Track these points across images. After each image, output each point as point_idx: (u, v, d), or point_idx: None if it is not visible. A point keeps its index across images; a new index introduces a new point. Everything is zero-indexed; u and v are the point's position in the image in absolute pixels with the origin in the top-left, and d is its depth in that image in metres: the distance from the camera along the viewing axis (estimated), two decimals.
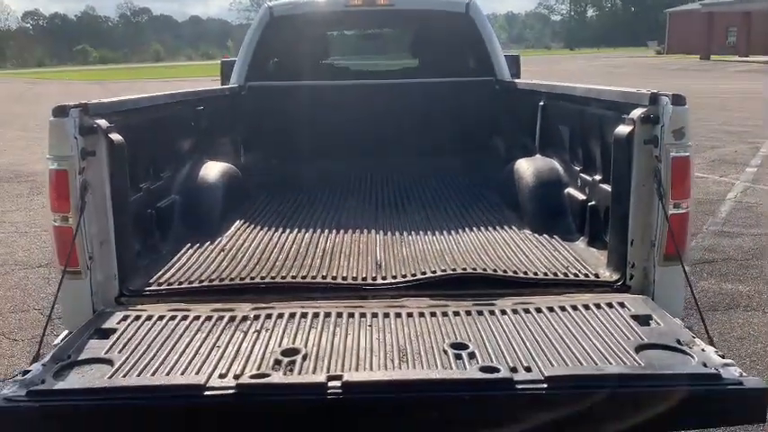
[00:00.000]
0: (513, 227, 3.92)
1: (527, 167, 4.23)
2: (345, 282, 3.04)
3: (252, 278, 3.07)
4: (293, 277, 3.07)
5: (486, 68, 5.89)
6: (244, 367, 2.22)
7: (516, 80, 5.50)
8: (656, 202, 2.84)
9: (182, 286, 3.02)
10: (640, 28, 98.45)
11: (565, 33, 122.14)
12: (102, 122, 2.86)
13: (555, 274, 3.07)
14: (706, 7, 53.70)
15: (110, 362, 2.27)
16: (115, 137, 2.92)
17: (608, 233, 3.26)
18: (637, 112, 2.87)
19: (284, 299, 2.90)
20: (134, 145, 3.41)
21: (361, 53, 9.31)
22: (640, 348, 2.30)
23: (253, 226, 4.04)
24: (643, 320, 2.56)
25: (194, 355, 2.31)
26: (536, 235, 3.74)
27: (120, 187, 2.97)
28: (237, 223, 4.09)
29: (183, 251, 3.53)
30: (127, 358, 2.28)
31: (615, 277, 3.00)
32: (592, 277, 3.05)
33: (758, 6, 47.70)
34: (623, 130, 2.94)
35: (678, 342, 2.33)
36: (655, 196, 2.83)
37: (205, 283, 3.03)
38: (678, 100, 2.75)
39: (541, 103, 4.52)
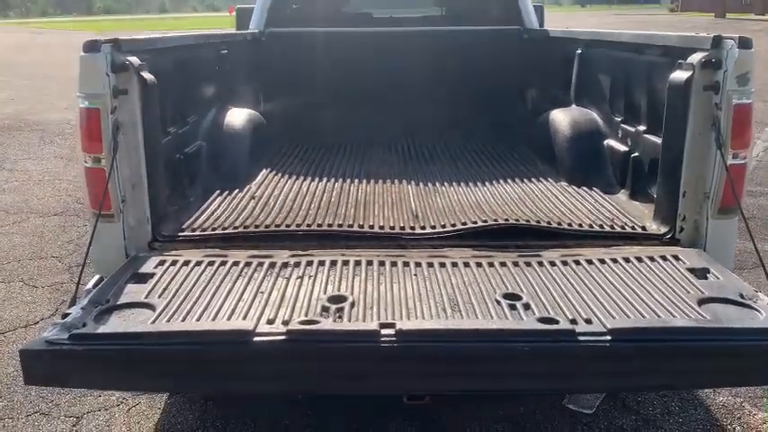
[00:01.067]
0: (550, 179, 3.80)
1: (563, 118, 4.08)
2: (383, 231, 2.94)
3: (287, 225, 2.97)
4: (329, 225, 2.97)
5: (513, 16, 5.69)
6: (291, 313, 2.13)
7: (548, 28, 5.29)
8: (712, 152, 2.71)
9: (215, 232, 2.93)
10: None
11: None
12: (135, 60, 2.72)
13: (600, 226, 2.96)
14: None
15: (151, 306, 2.18)
16: (147, 75, 2.78)
17: (654, 185, 3.15)
18: (696, 57, 2.71)
19: (322, 246, 2.81)
20: (163, 86, 3.28)
21: (384, 3, 9.05)
22: (702, 302, 2.20)
23: (281, 174, 3.93)
24: (700, 274, 2.46)
25: (238, 301, 2.22)
26: (574, 187, 3.62)
27: (152, 129, 2.84)
28: (265, 171, 3.98)
29: (212, 198, 3.43)
30: (168, 303, 2.20)
31: (664, 230, 2.89)
32: (639, 230, 2.94)
33: None
34: (680, 76, 2.79)
35: (741, 296, 2.23)
36: (712, 146, 2.70)
37: (240, 230, 2.94)
38: (744, 43, 2.59)
39: (579, 52, 4.34)
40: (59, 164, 8.17)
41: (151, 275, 2.43)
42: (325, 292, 2.29)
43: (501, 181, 3.78)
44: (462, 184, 3.73)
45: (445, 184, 3.73)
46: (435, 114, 5.60)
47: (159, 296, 2.27)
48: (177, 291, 2.30)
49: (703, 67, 2.68)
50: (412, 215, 3.18)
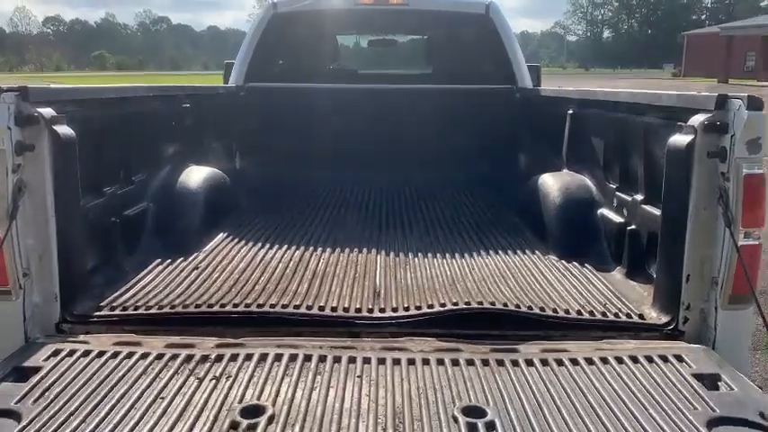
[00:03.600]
0: (537, 252, 3.38)
1: (553, 184, 3.68)
2: (335, 314, 2.50)
3: (223, 305, 2.54)
4: (272, 306, 2.53)
5: (507, 75, 5.40)
6: (189, 431, 1.68)
7: (540, 88, 4.97)
8: (720, 229, 2.29)
9: (138, 312, 2.50)
10: (656, 50, 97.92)
11: (580, 54, 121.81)
12: (47, 111, 2.35)
13: (591, 313, 2.52)
14: (725, 31, 53.14)
15: (17, 416, 1.74)
16: (62, 129, 2.40)
17: (653, 264, 2.73)
18: (698, 119, 2.33)
19: (259, 332, 2.38)
20: (97, 142, 2.91)
21: (371, 63, 8.85)
22: (713, 424, 1.74)
23: (237, 240, 3.52)
24: (710, 382, 2.00)
25: (127, 412, 1.78)
26: (563, 262, 3.20)
27: (66, 190, 2.45)
28: (220, 237, 3.57)
29: (150, 268, 3.01)
30: (40, 412, 1.76)
31: (665, 319, 2.45)
32: (636, 318, 2.50)
33: None
34: (680, 140, 2.39)
35: (762, 416, 1.77)
36: (719, 222, 2.29)
37: (166, 309, 2.50)
38: (754, 103, 2.21)
39: (570, 112, 3.99)
40: None
41: (36, 371, 2.00)
42: (240, 401, 1.84)
43: (482, 253, 3.36)
44: (438, 255, 3.31)
45: (419, 255, 3.31)
46: (420, 176, 5.25)
47: (34, 401, 1.82)
48: (59, 394, 1.86)
49: (706, 130, 2.30)
50: (374, 293, 2.75)
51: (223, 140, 5.00)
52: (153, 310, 2.50)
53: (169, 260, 3.13)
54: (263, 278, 2.89)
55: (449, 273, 3.02)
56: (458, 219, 4.16)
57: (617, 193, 3.26)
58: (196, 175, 3.76)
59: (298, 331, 2.39)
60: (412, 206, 4.56)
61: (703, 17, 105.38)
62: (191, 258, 3.18)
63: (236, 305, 2.53)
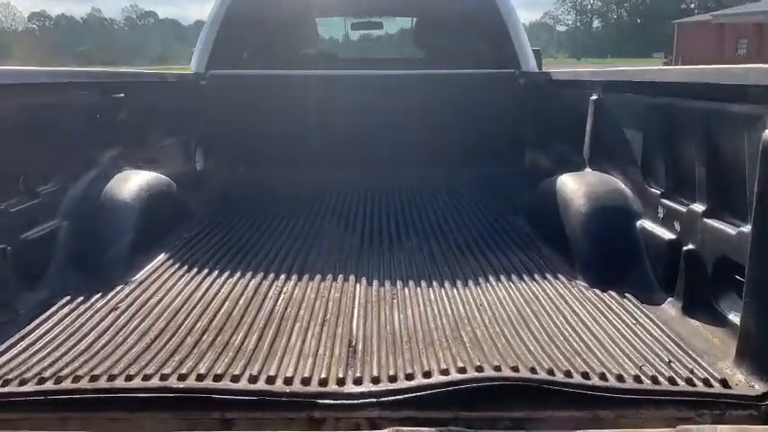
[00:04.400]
0: (561, 277, 2.64)
1: (576, 187, 2.94)
2: (290, 389, 1.74)
3: (130, 376, 1.78)
4: (200, 377, 1.77)
5: (508, 58, 4.67)
6: None
7: (551, 71, 4.21)
8: None
9: (4, 389, 1.74)
10: (645, 40, 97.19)
11: (570, 44, 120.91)
12: None
13: (654, 380, 1.77)
14: (717, 18, 52.58)
15: None
16: None
17: (723, 298, 2.02)
18: None
19: (173, 418, 1.63)
20: None
21: (355, 49, 8.07)
22: None
23: (178, 266, 2.77)
24: None
25: None
26: (596, 292, 2.46)
27: None
28: (157, 261, 2.82)
29: (53, 310, 2.26)
30: None
31: (763, 388, 1.72)
32: (717, 385, 1.76)
33: None
34: None
35: None
36: None
37: (46, 386, 1.74)
38: None
39: (594, 98, 3.24)
40: None
41: None
42: None
43: (491, 279, 2.61)
44: (435, 283, 2.56)
45: (411, 283, 2.57)
46: (410, 176, 4.51)
47: None
48: None
49: None
50: (348, 348, 2.00)
51: (179, 137, 4.23)
52: (28, 386, 1.74)
53: (82, 298, 2.37)
54: (197, 326, 2.14)
55: (450, 311, 2.28)
56: (457, 230, 3.41)
57: (663, 200, 2.53)
58: (130, 183, 3.00)
59: (228, 420, 1.64)
60: (402, 213, 3.81)
61: (692, 5, 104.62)
62: (111, 294, 2.42)
63: (147, 376, 1.77)
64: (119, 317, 2.23)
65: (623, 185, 2.86)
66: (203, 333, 2.10)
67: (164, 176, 3.29)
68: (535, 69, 4.73)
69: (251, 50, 5.24)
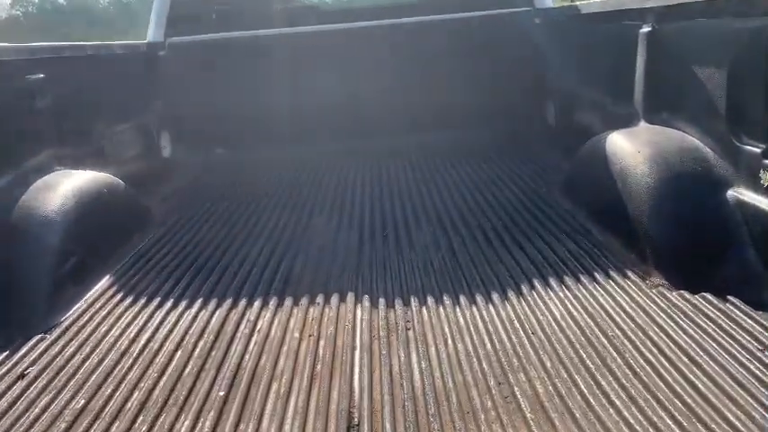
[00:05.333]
0: (629, 275, 1.96)
1: (634, 149, 2.22)
2: None
3: None
4: None
5: None
6: None
7: (576, 2, 3.44)
8: None
9: None
10: None
11: None
12: None
13: None
14: None
15: None
16: None
17: None
18: None
19: None
20: None
21: None
22: None
23: (117, 299, 2.09)
24: None
25: None
26: (684, 296, 1.78)
27: None
28: (91, 294, 2.14)
29: None
30: None
31: None
32: None
33: None
34: None
35: None
36: None
37: None
38: None
39: (646, 30, 2.50)
40: None
41: None
42: None
43: (536, 287, 1.93)
44: (462, 300, 1.89)
45: (428, 302, 1.89)
46: (417, 144, 3.83)
47: None
48: None
49: None
50: (346, 428, 1.35)
51: (134, 121, 3.54)
52: None
53: None
54: (130, 404, 1.49)
55: (490, 346, 1.61)
56: (480, 212, 2.72)
57: (767, 160, 1.83)
58: (59, 189, 2.31)
59: None
60: (408, 194, 3.12)
61: None
62: (20, 353, 1.77)
63: None
64: (27, 388, 1.59)
65: (701, 143, 2.15)
66: (138, 413, 1.44)
67: (105, 175, 2.60)
68: (550, 4, 3.98)
69: (217, 10, 4.49)
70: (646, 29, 2.50)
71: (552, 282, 1.95)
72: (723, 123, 2.04)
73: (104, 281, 2.22)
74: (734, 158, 2.00)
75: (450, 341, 1.65)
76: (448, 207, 2.84)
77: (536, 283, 1.95)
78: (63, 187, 2.32)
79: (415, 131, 3.95)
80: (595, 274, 1.98)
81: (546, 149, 3.64)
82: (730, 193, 1.97)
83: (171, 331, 1.83)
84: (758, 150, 1.88)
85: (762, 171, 1.85)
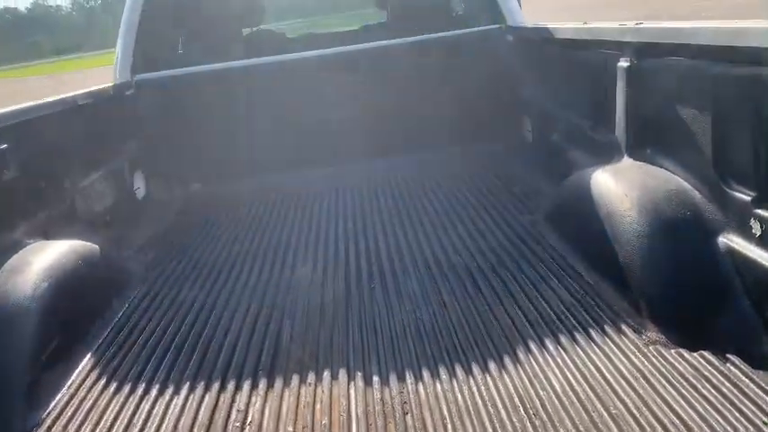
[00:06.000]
0: (624, 330, 1.92)
1: (622, 192, 2.19)
2: None
3: None
4: None
5: (488, 11, 3.94)
6: None
7: (549, 25, 3.40)
8: None
9: None
10: None
11: None
12: None
13: None
14: None
15: None
16: None
17: None
18: None
19: None
20: None
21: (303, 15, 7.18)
22: None
23: (104, 382, 2.01)
24: None
25: None
26: (682, 354, 1.75)
27: None
28: (77, 376, 2.06)
29: None
30: None
31: None
32: None
33: None
34: None
35: None
36: None
37: None
38: None
39: (624, 65, 2.47)
40: None
41: None
42: None
43: (532, 351, 1.89)
44: (458, 368, 1.84)
45: (424, 377, 1.84)
46: (397, 172, 3.80)
47: None
48: None
49: None
50: None
51: (105, 168, 3.43)
52: None
53: None
54: None
55: (487, 424, 1.57)
56: (466, 249, 2.68)
57: (758, 210, 1.80)
58: (31, 270, 2.21)
59: None
60: (391, 227, 3.08)
61: None
62: None
63: None
64: None
65: (688, 185, 2.12)
66: None
67: (79, 244, 2.50)
68: (523, 22, 3.94)
69: (184, 43, 4.40)
70: (624, 63, 2.46)
71: (549, 345, 1.90)
72: (710, 167, 2.01)
73: (84, 363, 2.14)
74: (722, 204, 1.97)
75: (449, 426, 1.60)
76: (432, 243, 2.80)
77: (532, 347, 1.90)
78: (35, 267, 2.22)
79: (393, 155, 3.93)
80: (591, 331, 1.94)
81: (525, 170, 3.61)
82: (721, 240, 1.94)
83: (159, 428, 1.76)
84: (748, 198, 1.84)
85: (753, 219, 1.82)
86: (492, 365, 1.83)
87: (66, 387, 2.00)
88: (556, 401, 1.64)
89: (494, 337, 1.99)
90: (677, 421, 1.51)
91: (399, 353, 1.97)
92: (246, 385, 1.90)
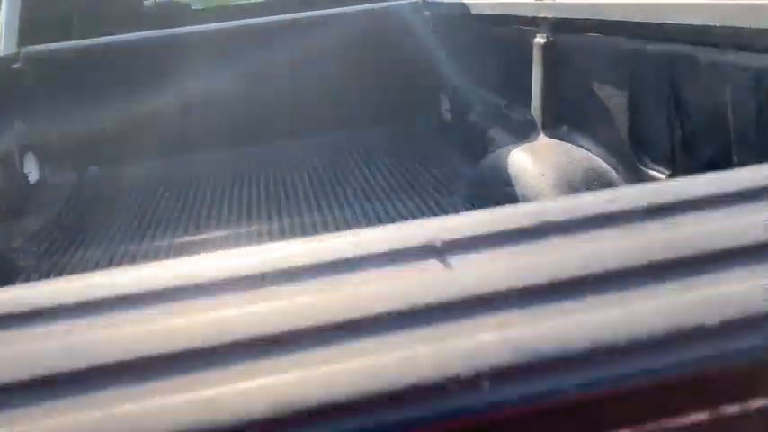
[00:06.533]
0: None
1: (538, 171, 2.14)
2: None
3: None
4: None
5: None
6: None
7: (467, 1, 3.32)
8: None
9: None
10: None
11: None
12: None
13: None
14: None
15: None
16: None
17: None
18: None
19: None
20: None
21: None
22: None
23: None
24: None
25: None
26: None
27: None
28: None
29: None
30: None
31: None
32: None
33: None
34: None
35: None
36: None
37: None
38: None
39: (540, 41, 2.41)
40: None
41: None
42: None
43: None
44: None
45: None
46: (310, 155, 3.64)
47: None
48: None
49: None
50: None
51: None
52: None
53: None
54: None
55: None
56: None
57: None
58: None
59: None
60: (308, 210, 2.93)
61: None
62: None
63: None
64: None
65: (606, 165, 2.10)
66: None
67: None
68: None
69: (79, 13, 4.06)
70: (541, 39, 2.41)
71: None
72: (626, 145, 1.99)
73: None
74: (638, 182, 1.95)
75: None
76: (351, 227, 2.68)
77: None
78: None
79: (304, 138, 3.77)
80: None
81: (443, 150, 3.54)
82: None
83: None
84: (663, 177, 1.83)
85: None
86: None
87: None
88: None
89: None
90: None
91: None
92: None
